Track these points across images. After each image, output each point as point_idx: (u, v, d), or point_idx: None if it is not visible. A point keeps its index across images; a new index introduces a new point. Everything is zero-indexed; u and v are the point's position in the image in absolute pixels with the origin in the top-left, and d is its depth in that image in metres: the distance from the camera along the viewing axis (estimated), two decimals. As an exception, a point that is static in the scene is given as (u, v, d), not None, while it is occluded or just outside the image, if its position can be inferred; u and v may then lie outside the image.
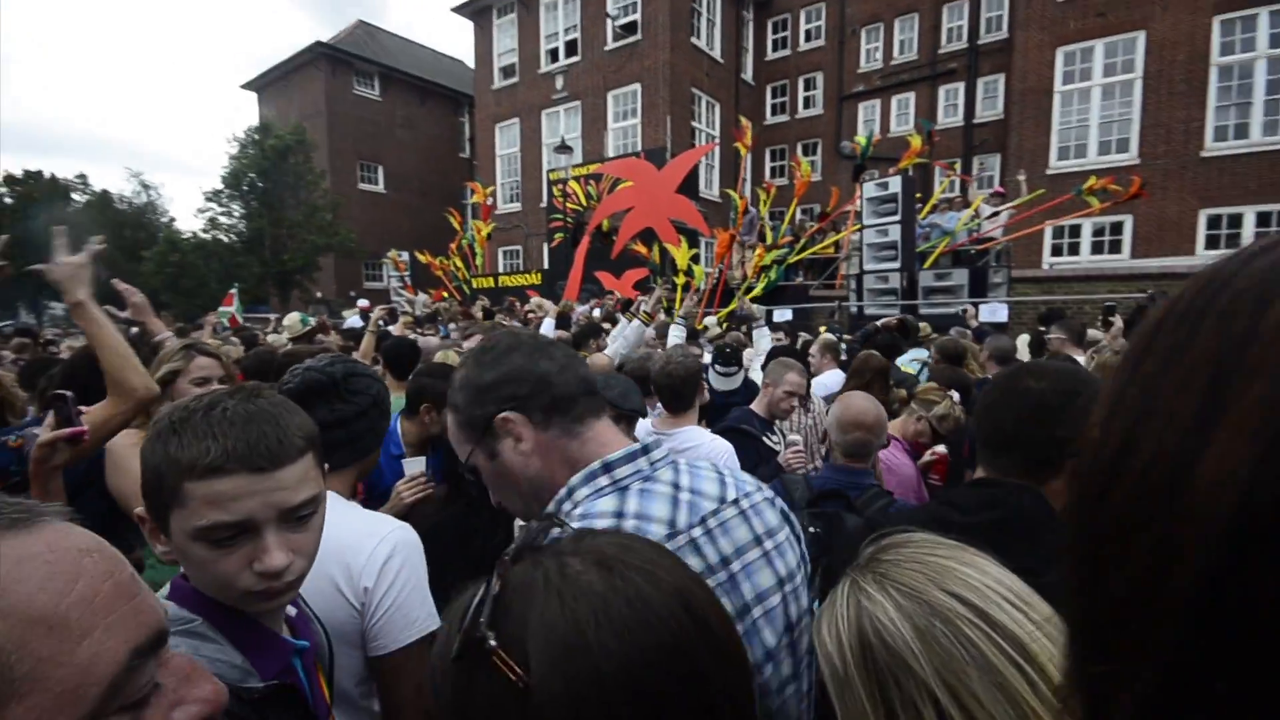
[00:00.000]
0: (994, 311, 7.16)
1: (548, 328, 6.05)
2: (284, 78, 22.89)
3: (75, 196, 28.92)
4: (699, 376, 2.39)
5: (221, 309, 7.88)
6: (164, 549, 0.73)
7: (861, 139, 10.27)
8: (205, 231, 19.94)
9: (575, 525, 0.76)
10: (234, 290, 9.42)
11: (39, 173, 28.56)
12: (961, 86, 16.57)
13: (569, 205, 13.10)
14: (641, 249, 10.85)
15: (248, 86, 24.02)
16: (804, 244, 10.84)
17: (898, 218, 8.15)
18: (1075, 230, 13.90)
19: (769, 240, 9.86)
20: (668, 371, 2.29)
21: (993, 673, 0.51)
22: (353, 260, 21.87)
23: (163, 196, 27.56)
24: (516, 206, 19.55)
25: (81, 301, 1.59)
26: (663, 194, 11.49)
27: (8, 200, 28.03)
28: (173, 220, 29.99)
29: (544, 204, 18.39)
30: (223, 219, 19.27)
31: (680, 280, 10.31)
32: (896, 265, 8.16)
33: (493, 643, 0.41)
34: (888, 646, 0.54)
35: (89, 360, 1.91)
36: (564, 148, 12.83)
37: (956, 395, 2.50)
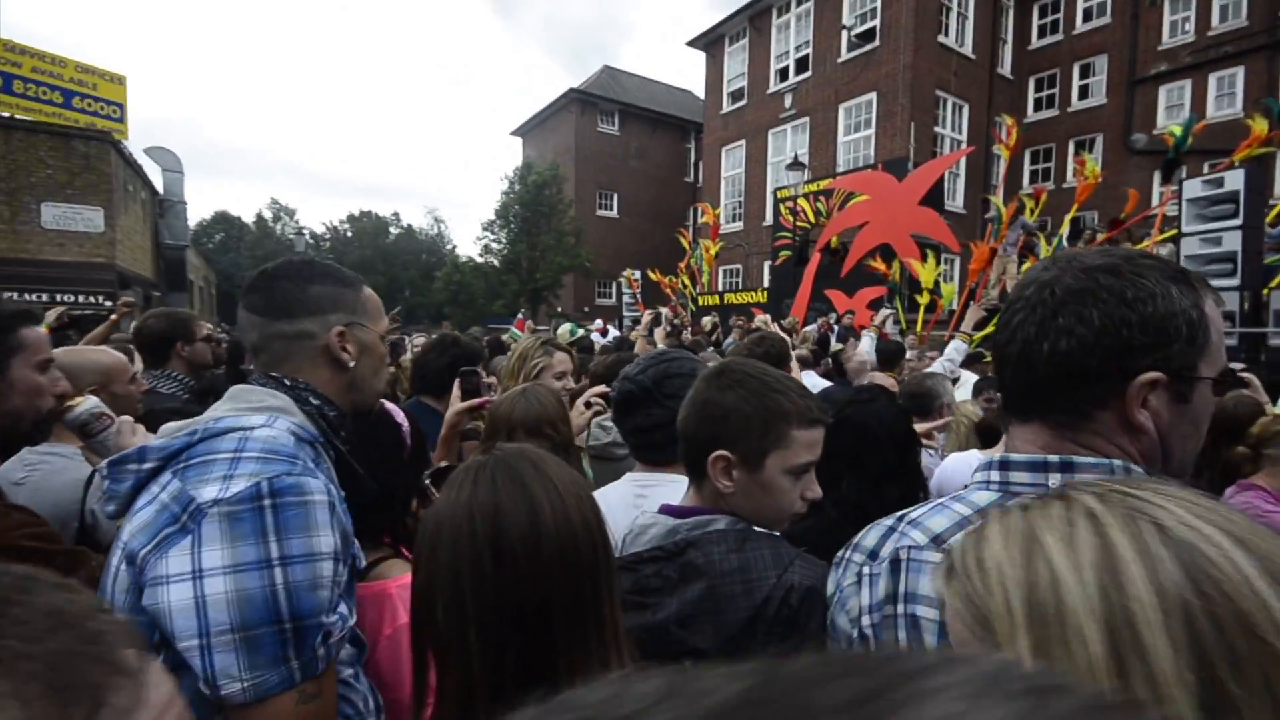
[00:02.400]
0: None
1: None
2: (542, 122, 26.47)
3: (392, 230, 37.06)
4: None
5: (514, 330, 9.04)
6: (728, 485, 0.94)
7: (1176, 128, 8.43)
8: (481, 256, 23.94)
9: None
10: (521, 314, 10.99)
11: (369, 212, 37.14)
12: (1323, 51, 12.71)
13: (798, 223, 12.94)
14: (879, 265, 10.26)
15: (515, 133, 28.29)
16: (1084, 257, 9.22)
17: (1238, 222, 6.49)
18: None
19: (1044, 254, 8.58)
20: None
21: None
22: (588, 279, 24.27)
23: (448, 228, 33.81)
24: (738, 226, 19.90)
25: None
26: (903, 207, 10.72)
27: (349, 234, 36.92)
28: (454, 248, 36.58)
29: (766, 223, 18.42)
30: (494, 245, 22.92)
31: (925, 299, 9.52)
32: (1235, 282, 6.49)
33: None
34: (1228, 595, 0.35)
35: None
36: (796, 164, 12.72)
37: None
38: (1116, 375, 0.65)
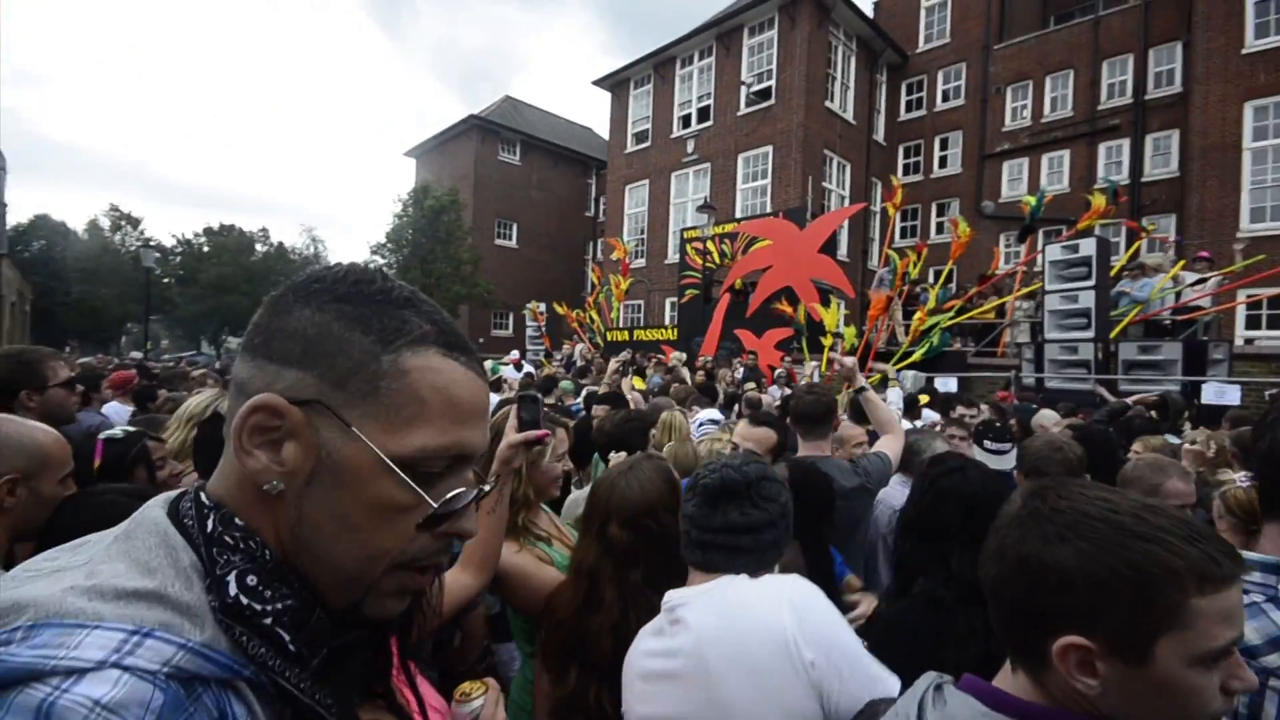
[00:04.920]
0: (1221, 393, 6.27)
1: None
2: (439, 146, 25.53)
3: (258, 247, 33.53)
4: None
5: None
6: (1092, 684, 0.59)
7: (1031, 199, 9.67)
8: (369, 281, 22.16)
9: None
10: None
11: (232, 226, 33.36)
12: (1126, 143, 15.37)
13: (705, 264, 13.29)
14: (786, 308, 10.70)
15: (409, 154, 27.01)
16: (960, 307, 10.23)
17: (1091, 283, 7.46)
18: (1276, 301, 12.22)
19: (932, 304, 9.38)
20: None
21: None
22: (484, 310, 23.37)
23: (327, 249, 31.16)
24: (641, 263, 20.15)
25: None
26: (804, 253, 11.35)
27: (206, 248, 32.97)
28: (332, 269, 33.79)
29: (669, 261, 18.84)
30: (385, 270, 21.38)
31: (828, 341, 10.01)
32: (1089, 335, 7.42)
33: None
34: None
35: None
36: (706, 207, 13.12)
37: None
38: None
